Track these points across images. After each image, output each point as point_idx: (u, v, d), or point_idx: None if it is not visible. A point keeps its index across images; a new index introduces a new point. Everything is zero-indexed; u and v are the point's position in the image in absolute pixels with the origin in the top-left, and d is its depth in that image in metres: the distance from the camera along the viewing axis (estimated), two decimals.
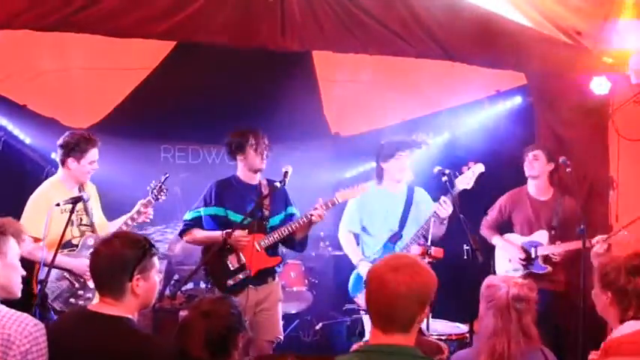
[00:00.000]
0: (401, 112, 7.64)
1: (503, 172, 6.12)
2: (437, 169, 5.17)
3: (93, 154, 5.03)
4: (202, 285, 7.64)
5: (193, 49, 6.34)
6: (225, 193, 5.37)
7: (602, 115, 5.97)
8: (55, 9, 4.80)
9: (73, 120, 7.59)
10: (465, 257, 5.52)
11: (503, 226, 6.13)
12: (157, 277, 3.07)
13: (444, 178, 5.08)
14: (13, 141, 6.96)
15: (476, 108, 7.06)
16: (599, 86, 5.73)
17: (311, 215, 5.23)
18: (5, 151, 6.79)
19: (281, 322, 5.56)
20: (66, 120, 7.55)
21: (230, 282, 5.20)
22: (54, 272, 4.57)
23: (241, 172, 5.44)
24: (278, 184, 5.19)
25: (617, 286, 3.35)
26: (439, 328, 5.21)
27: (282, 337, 5.52)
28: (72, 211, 4.60)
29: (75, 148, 4.95)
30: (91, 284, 4.88)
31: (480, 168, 5.35)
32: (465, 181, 5.25)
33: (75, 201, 4.63)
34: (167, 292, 7.65)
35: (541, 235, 5.83)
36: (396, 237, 5.57)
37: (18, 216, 4.83)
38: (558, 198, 5.89)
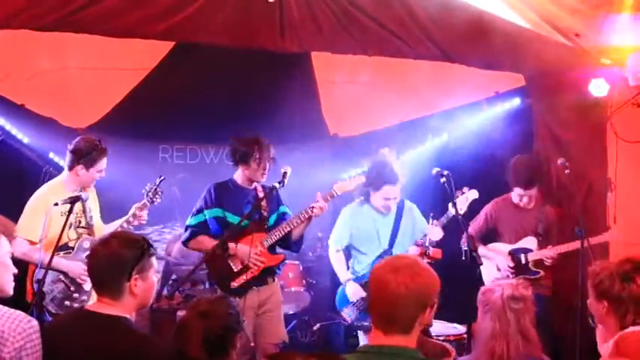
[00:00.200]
0: (399, 113, 7.64)
1: (501, 173, 6.12)
2: (435, 170, 5.17)
3: (102, 163, 5.06)
4: (200, 285, 7.63)
5: (192, 49, 6.33)
6: (223, 195, 5.37)
7: (601, 116, 5.98)
8: (54, 9, 4.79)
9: (72, 120, 7.60)
10: (463, 258, 5.55)
11: (487, 236, 6.14)
12: (154, 277, 3.07)
13: (443, 180, 5.09)
14: (11, 140, 6.95)
15: (474, 109, 7.05)
16: (598, 88, 5.75)
17: (312, 209, 5.25)
18: (3, 150, 6.78)
19: (284, 325, 5.57)
20: (64, 120, 7.54)
21: (234, 284, 5.19)
22: (49, 274, 4.56)
23: (239, 177, 5.44)
24: (277, 185, 5.20)
25: (612, 294, 3.35)
26: (437, 328, 5.23)
27: (287, 340, 5.51)
28: (70, 211, 4.58)
29: (86, 156, 4.98)
30: (86, 287, 4.89)
31: (473, 194, 5.42)
32: (459, 206, 5.28)
33: (73, 200, 4.60)
34: (165, 292, 7.64)
35: (529, 242, 5.86)
36: (386, 253, 5.58)
37: (15, 216, 4.84)
38: (541, 206, 5.92)
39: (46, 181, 5.41)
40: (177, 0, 5.02)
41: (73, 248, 4.99)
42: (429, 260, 4.91)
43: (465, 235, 5.94)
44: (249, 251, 5.16)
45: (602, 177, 6.01)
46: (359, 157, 8.16)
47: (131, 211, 5.20)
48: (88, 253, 3.10)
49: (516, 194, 5.89)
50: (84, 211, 5.09)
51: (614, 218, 5.90)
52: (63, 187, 5.03)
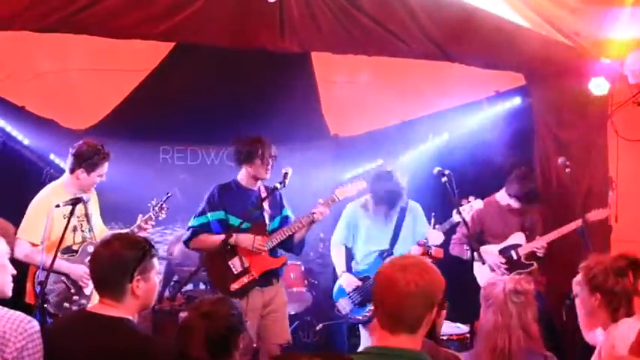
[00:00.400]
0: (400, 113, 7.64)
1: (502, 172, 6.13)
2: (437, 169, 5.18)
3: (104, 167, 5.07)
4: (202, 286, 7.63)
5: (192, 50, 6.34)
6: (226, 197, 5.37)
7: (601, 115, 5.97)
8: (54, 10, 4.79)
9: (72, 121, 7.60)
10: (466, 257, 5.56)
11: (476, 240, 6.12)
12: (156, 278, 3.06)
13: (444, 179, 5.09)
14: (12, 142, 6.95)
15: (475, 109, 7.05)
16: (598, 87, 5.74)
17: (313, 214, 5.27)
18: (4, 152, 6.78)
19: (288, 325, 5.57)
20: (65, 121, 7.54)
21: (235, 286, 5.18)
22: (51, 275, 4.57)
23: (243, 177, 5.44)
24: (278, 186, 5.20)
25: (605, 287, 3.42)
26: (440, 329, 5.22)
27: (291, 341, 5.51)
28: (72, 213, 4.59)
29: (88, 160, 4.98)
30: (86, 291, 4.90)
31: (478, 204, 5.46)
32: (462, 214, 5.31)
33: (75, 202, 4.62)
34: (167, 293, 7.64)
35: (517, 237, 5.90)
36: (386, 253, 5.62)
37: (16, 217, 4.86)
38: (525, 204, 5.95)
39: (47, 183, 5.41)
40: (178, 0, 5.01)
41: (76, 252, 4.99)
42: (430, 260, 4.91)
43: (453, 239, 5.99)
44: (252, 239, 5.17)
45: (603, 176, 6.00)
46: (360, 156, 8.18)
47: (137, 222, 5.22)
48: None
49: (509, 200, 5.95)
50: (86, 215, 5.10)
51: (616, 217, 5.90)
52: (64, 190, 5.03)
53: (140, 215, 5.27)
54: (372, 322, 5.35)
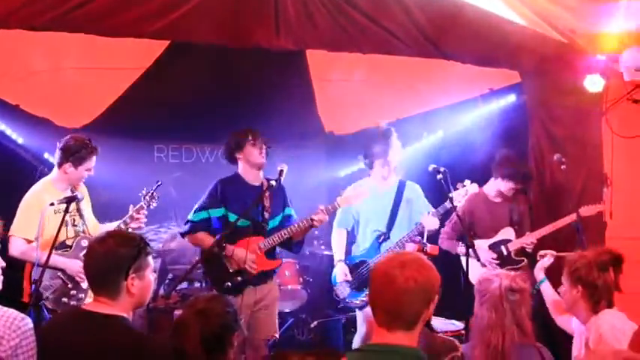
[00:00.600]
0: (395, 110, 7.63)
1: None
2: (432, 167, 5.19)
3: (91, 161, 5.06)
4: (197, 284, 7.62)
5: (187, 48, 6.32)
6: (229, 193, 5.35)
7: (596, 112, 5.99)
8: (48, 8, 4.77)
9: (66, 120, 7.57)
10: (460, 253, 5.57)
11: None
12: (151, 275, 3.05)
13: (439, 176, 5.10)
14: (6, 141, 6.93)
15: (470, 106, 7.06)
16: (593, 84, 5.76)
17: (312, 220, 5.27)
18: None
19: (277, 321, 5.57)
20: (59, 120, 7.52)
21: (228, 284, 5.18)
22: (47, 271, 4.55)
23: (243, 170, 5.42)
24: (273, 183, 5.19)
25: (587, 280, 3.53)
26: (436, 325, 5.23)
27: (277, 336, 5.52)
28: (66, 211, 4.61)
29: (75, 154, 4.98)
30: (83, 285, 4.90)
31: (473, 188, 5.46)
32: (457, 198, 5.33)
33: (69, 200, 4.64)
34: (161, 291, 7.63)
35: (506, 233, 5.90)
36: (383, 237, 5.62)
37: (11, 216, 4.86)
38: (514, 197, 5.97)
39: None
40: None
41: (70, 247, 5.00)
42: (426, 257, 4.91)
43: (442, 234, 6.00)
44: (245, 256, 5.16)
45: (597, 172, 6.02)
46: (354, 154, 8.18)
47: (129, 213, 5.21)
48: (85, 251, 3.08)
49: (503, 187, 5.91)
50: (78, 210, 5.10)
51: (611, 214, 5.92)
52: (53, 185, 5.04)
53: (131, 206, 5.25)
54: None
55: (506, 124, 6.57)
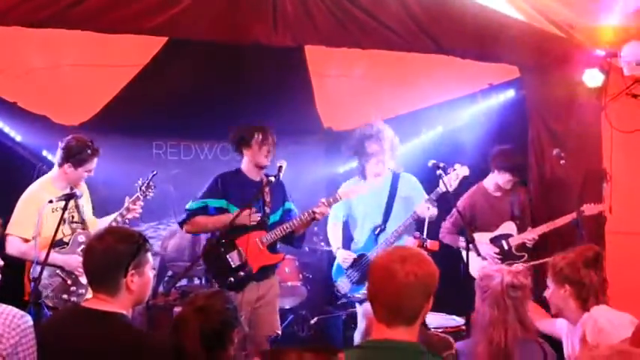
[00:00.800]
0: (394, 106, 7.61)
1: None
2: (431, 162, 5.19)
3: (92, 163, 5.08)
4: (196, 281, 7.61)
5: (185, 44, 6.30)
6: (229, 187, 5.36)
7: (595, 107, 5.97)
8: (45, 5, 4.75)
9: (64, 117, 7.55)
10: (461, 247, 5.56)
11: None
12: (151, 272, 3.05)
13: (439, 172, 5.09)
14: (4, 138, 6.90)
15: (469, 101, 7.05)
16: (592, 78, 5.75)
17: (314, 212, 5.28)
18: None
19: (278, 318, 5.57)
20: (57, 117, 7.49)
21: (231, 279, 5.17)
22: (46, 269, 4.57)
23: (246, 166, 5.44)
24: (272, 179, 5.20)
25: (574, 279, 3.53)
26: (436, 321, 5.24)
27: (279, 332, 5.52)
28: (65, 209, 4.60)
29: (76, 155, 5.00)
30: (83, 280, 4.90)
31: (464, 171, 5.45)
32: (449, 182, 5.31)
33: (68, 198, 4.65)
34: (160, 288, 7.62)
35: (508, 227, 5.91)
36: (379, 229, 5.63)
37: (9, 213, 4.86)
38: (513, 189, 5.99)
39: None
40: None
41: (67, 243, 5.01)
42: (426, 252, 4.91)
43: (443, 228, 5.99)
44: (248, 213, 5.15)
45: (597, 167, 6.01)
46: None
47: (125, 205, 5.22)
48: (83, 246, 3.07)
49: (500, 180, 5.94)
50: (76, 207, 5.12)
51: (610, 208, 5.90)
52: (52, 184, 5.05)
53: (127, 197, 5.27)
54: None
55: (506, 120, 6.56)
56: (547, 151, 5.96)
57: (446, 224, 6.06)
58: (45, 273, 4.57)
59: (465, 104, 7.08)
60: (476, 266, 5.72)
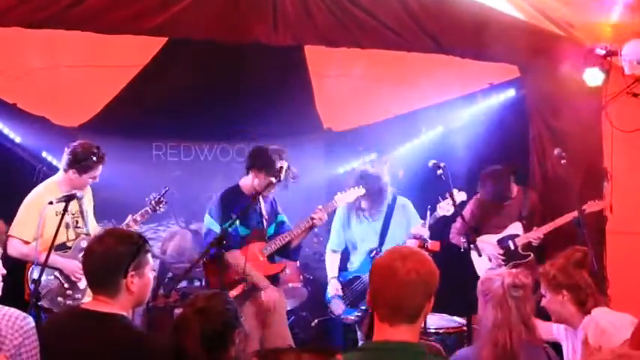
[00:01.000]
0: (394, 106, 7.60)
1: (496, 164, 6.13)
2: (432, 162, 5.17)
3: (97, 170, 5.09)
4: (197, 283, 7.60)
5: (185, 45, 6.29)
6: (231, 207, 5.26)
7: (596, 106, 5.96)
8: (45, 6, 4.76)
9: (64, 118, 7.54)
10: (462, 250, 5.56)
11: (475, 232, 6.16)
12: (150, 273, 3.04)
13: (439, 172, 5.08)
14: (3, 140, 6.89)
15: (469, 101, 7.03)
16: (592, 77, 5.73)
17: (312, 219, 5.29)
18: None
19: (289, 330, 5.61)
20: (56, 118, 7.48)
21: (234, 292, 5.14)
22: (45, 272, 4.58)
23: (246, 185, 5.39)
24: (273, 180, 5.16)
25: (569, 283, 3.53)
26: (437, 321, 5.22)
27: (292, 343, 5.51)
28: (65, 210, 4.58)
29: (81, 162, 5.00)
30: (80, 285, 4.91)
31: (462, 196, 5.56)
32: (446, 207, 5.41)
33: (68, 199, 4.63)
34: (161, 290, 7.60)
35: (515, 227, 5.95)
36: (375, 251, 5.71)
37: (9, 215, 4.86)
38: (523, 191, 6.06)
39: (40, 181, 5.43)
40: None
41: (70, 248, 5.03)
42: (427, 253, 4.91)
43: (453, 229, 6.01)
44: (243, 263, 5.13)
45: (597, 167, 6.00)
46: (353, 151, 8.15)
47: (131, 217, 5.27)
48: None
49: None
50: (81, 212, 5.13)
51: (611, 207, 5.89)
52: (57, 187, 5.05)
53: (130, 215, 5.31)
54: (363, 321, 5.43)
55: (506, 119, 6.55)
56: (548, 150, 5.95)
57: (456, 224, 6.09)
58: (44, 274, 4.57)
59: (465, 104, 7.07)
60: (482, 267, 5.76)
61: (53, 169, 6.42)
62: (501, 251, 5.90)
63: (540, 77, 6.05)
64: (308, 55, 7.12)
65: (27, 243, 4.80)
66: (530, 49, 5.71)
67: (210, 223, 5.32)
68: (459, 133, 6.95)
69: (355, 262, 5.87)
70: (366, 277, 5.58)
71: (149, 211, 5.32)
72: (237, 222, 5.17)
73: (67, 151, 5.05)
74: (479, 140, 6.53)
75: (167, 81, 7.07)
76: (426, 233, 5.45)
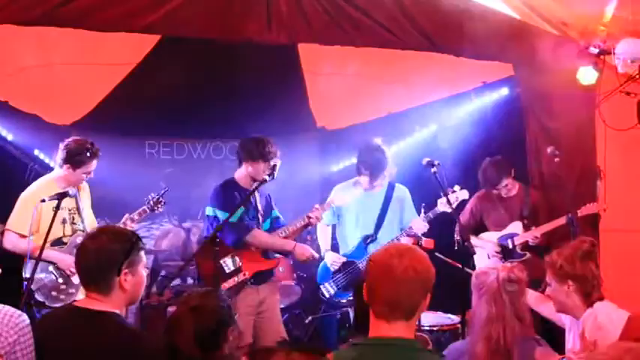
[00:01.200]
0: (387, 104, 7.62)
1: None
2: (425, 160, 5.16)
3: (91, 165, 5.14)
4: (190, 281, 7.59)
5: (178, 43, 6.27)
6: (232, 195, 5.28)
7: (589, 105, 5.97)
8: (37, 3, 4.71)
9: (56, 116, 7.52)
10: (456, 248, 5.57)
11: (477, 229, 6.25)
12: (144, 271, 3.04)
13: (433, 170, 5.07)
14: None
15: (463, 99, 7.04)
16: (586, 76, 5.73)
17: (309, 217, 5.32)
18: None
19: (282, 325, 5.58)
20: (49, 116, 7.46)
21: (226, 285, 5.14)
22: (40, 265, 4.58)
23: (241, 177, 5.39)
24: (267, 178, 5.15)
25: (574, 273, 3.50)
26: (431, 319, 5.23)
27: (286, 337, 5.50)
28: (57, 207, 4.61)
29: (75, 157, 5.06)
30: (75, 280, 4.92)
31: (464, 194, 5.59)
32: (446, 204, 5.39)
33: (60, 196, 4.66)
34: (154, 288, 7.59)
35: (515, 226, 5.98)
36: (370, 238, 5.64)
37: (1, 211, 4.87)
38: (525, 189, 6.05)
39: (32, 179, 5.47)
40: None
41: (66, 244, 5.08)
42: None
43: (457, 225, 6.02)
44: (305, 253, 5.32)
45: (591, 165, 6.01)
46: (346, 149, 8.15)
47: (128, 216, 5.31)
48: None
49: (502, 191, 6.04)
50: (77, 209, 5.19)
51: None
52: (54, 184, 5.10)
53: (127, 214, 5.35)
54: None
55: (500, 118, 6.56)
56: (543, 148, 5.95)
57: (460, 221, 6.10)
58: (37, 268, 4.57)
59: (459, 102, 7.08)
60: (481, 264, 5.85)
61: (45, 167, 6.42)
62: (499, 249, 5.92)
63: (534, 76, 6.04)
64: (301, 54, 7.12)
65: (23, 237, 4.83)
66: (523, 48, 5.70)
67: (213, 211, 5.29)
68: (452, 132, 6.96)
69: (349, 244, 5.80)
70: (360, 263, 5.58)
71: (147, 210, 5.37)
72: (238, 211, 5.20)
73: (61, 147, 5.10)
74: (472, 139, 6.53)
75: (160, 79, 7.05)
76: (423, 228, 5.46)
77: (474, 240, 6.06)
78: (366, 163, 5.68)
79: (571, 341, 3.75)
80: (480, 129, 6.64)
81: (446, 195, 5.19)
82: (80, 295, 4.68)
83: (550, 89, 5.94)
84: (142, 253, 3.01)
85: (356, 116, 8.19)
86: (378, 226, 5.72)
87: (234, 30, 5.19)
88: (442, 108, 7.20)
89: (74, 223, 5.17)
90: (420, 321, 4.81)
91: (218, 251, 4.83)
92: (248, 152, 5.32)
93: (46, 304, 4.88)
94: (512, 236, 5.92)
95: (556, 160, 5.60)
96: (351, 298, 5.52)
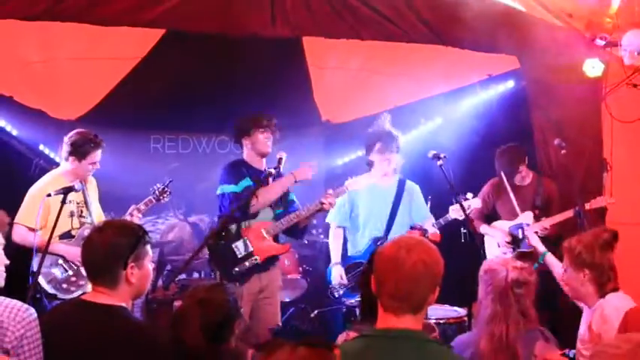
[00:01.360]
0: (392, 98, 7.58)
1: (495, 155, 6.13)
2: (431, 153, 5.14)
3: (95, 155, 5.18)
4: (196, 275, 7.60)
5: (182, 37, 6.26)
6: (241, 169, 5.30)
7: (595, 97, 5.95)
8: None
9: (61, 111, 7.52)
10: (463, 240, 5.55)
11: (490, 217, 6.26)
12: (150, 265, 3.04)
13: (439, 162, 5.05)
14: (0, 133, 6.87)
15: (468, 92, 7.02)
16: (592, 68, 5.72)
17: (322, 203, 5.25)
18: None
19: (280, 311, 5.55)
20: (53, 111, 7.46)
21: (237, 269, 5.14)
22: (48, 259, 4.66)
23: (248, 156, 5.39)
24: (273, 171, 5.16)
25: (592, 262, 3.48)
26: (437, 312, 5.22)
27: (280, 324, 5.51)
28: (63, 201, 4.61)
29: (78, 149, 5.11)
30: (84, 271, 4.91)
31: (476, 203, 5.59)
32: (458, 213, 5.39)
33: (66, 191, 4.68)
34: (160, 282, 7.60)
35: (526, 216, 5.97)
36: (380, 240, 5.63)
37: (4, 208, 4.90)
38: (538, 179, 6.05)
39: (37, 174, 5.52)
40: None
41: (74, 237, 5.12)
42: None
43: (471, 215, 6.02)
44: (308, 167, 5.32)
45: (597, 157, 5.99)
46: (351, 143, 8.14)
47: (135, 206, 5.32)
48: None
49: (516, 178, 6.06)
50: (85, 202, 5.24)
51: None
52: (62, 178, 5.13)
53: (133, 205, 5.35)
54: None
55: (505, 110, 6.54)
56: (550, 140, 5.94)
57: (474, 212, 6.10)
58: (46, 262, 4.64)
59: (464, 95, 7.07)
60: (492, 251, 5.97)
61: (50, 162, 6.43)
62: (509, 238, 5.93)
63: (540, 68, 6.03)
64: (306, 47, 7.10)
65: (32, 230, 4.86)
66: (529, 40, 5.68)
67: (224, 188, 5.26)
68: (457, 125, 6.94)
69: (359, 244, 5.79)
70: None
71: (153, 200, 5.39)
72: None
73: (65, 140, 5.15)
74: (478, 131, 6.52)
75: (165, 73, 7.05)
76: (435, 233, 5.47)
77: (485, 228, 6.11)
78: (377, 132, 5.69)
79: (584, 327, 3.72)
80: (486, 122, 6.62)
81: (451, 187, 5.17)
82: (90, 287, 4.69)
83: (556, 82, 5.93)
84: (148, 246, 3.01)
85: (361, 110, 8.16)
86: (389, 226, 5.71)
87: (238, 24, 5.20)
88: (448, 101, 7.19)
89: (82, 217, 5.21)
90: (427, 314, 4.79)
91: (226, 235, 4.87)
92: (240, 129, 5.35)
93: (58, 296, 4.92)
94: (522, 226, 5.91)
95: (563, 152, 5.60)
96: (360, 299, 5.53)
